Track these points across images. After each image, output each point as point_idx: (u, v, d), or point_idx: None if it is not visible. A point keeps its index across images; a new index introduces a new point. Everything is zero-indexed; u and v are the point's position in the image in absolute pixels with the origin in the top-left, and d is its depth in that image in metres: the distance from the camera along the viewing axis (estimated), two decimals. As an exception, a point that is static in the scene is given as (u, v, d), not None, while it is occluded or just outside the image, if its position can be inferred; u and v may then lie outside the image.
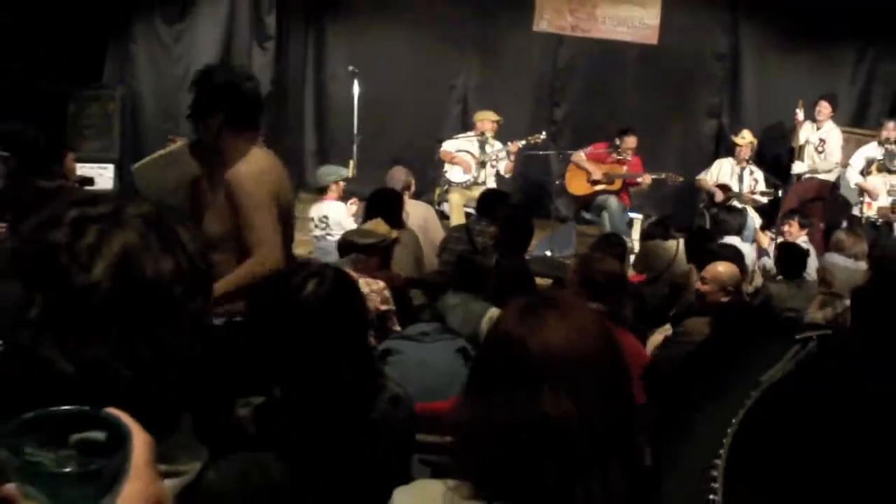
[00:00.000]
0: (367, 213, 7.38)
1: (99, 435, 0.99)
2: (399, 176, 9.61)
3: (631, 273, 8.24)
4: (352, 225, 8.27)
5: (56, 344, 1.22)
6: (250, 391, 3.25)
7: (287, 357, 2.97)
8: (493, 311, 5.19)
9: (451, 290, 5.45)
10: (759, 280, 8.62)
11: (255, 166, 4.25)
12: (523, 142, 11.04)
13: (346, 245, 6.11)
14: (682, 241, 8.08)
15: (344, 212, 8.77)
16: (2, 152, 7.39)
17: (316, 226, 8.59)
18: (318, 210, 8.76)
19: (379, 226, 6.82)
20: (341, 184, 9.12)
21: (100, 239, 1.30)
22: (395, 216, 7.23)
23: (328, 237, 8.39)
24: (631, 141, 11.08)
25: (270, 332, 3.05)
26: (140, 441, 1.01)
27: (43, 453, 0.95)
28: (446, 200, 10.68)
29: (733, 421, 0.96)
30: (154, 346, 1.30)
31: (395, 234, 6.78)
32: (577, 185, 11.29)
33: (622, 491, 1.76)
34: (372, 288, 5.17)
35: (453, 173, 10.91)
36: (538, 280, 7.50)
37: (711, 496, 0.91)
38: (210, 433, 1.48)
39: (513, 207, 8.47)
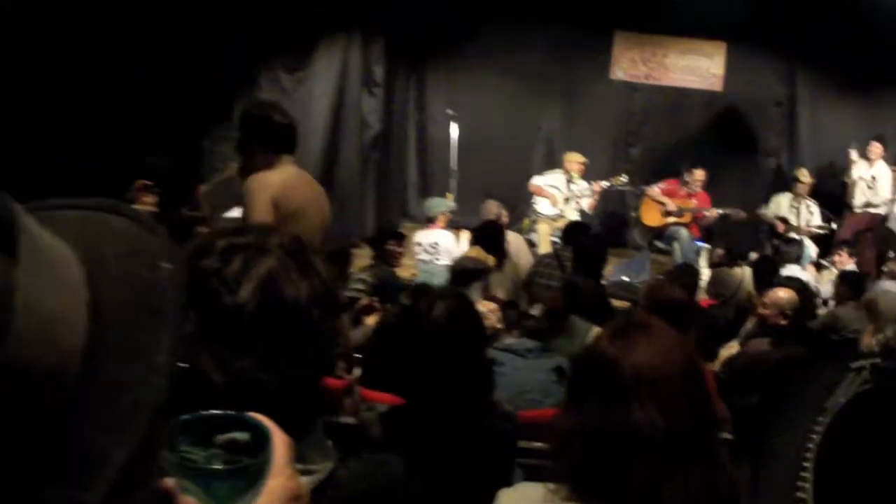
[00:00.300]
0: (475, 243, 8.09)
1: (243, 436, 1.05)
2: (492, 209, 10.48)
3: (703, 298, 8.39)
4: (458, 252, 8.90)
5: (210, 356, 1.31)
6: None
7: (415, 370, 3.14)
8: (596, 330, 5.32)
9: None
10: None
11: (262, 176, 4.58)
12: (607, 183, 11.75)
13: (461, 270, 6.62)
14: (747, 268, 8.35)
15: (451, 240, 9.40)
16: (147, 182, 8.48)
17: (425, 250, 9.15)
18: (427, 237, 9.40)
19: (479, 254, 7.58)
20: (448, 214, 9.82)
21: (245, 265, 1.39)
22: (498, 246, 7.90)
23: (436, 261, 9.01)
24: (699, 174, 11.65)
25: (402, 348, 3.26)
26: (280, 441, 1.06)
27: (196, 451, 1.02)
28: (534, 230, 11.16)
29: (810, 446, 1.04)
30: (294, 359, 1.39)
31: (491, 260, 7.37)
32: (651, 217, 11.90)
33: (704, 494, 1.87)
34: (489, 308, 5.42)
35: (542, 206, 11.43)
36: (616, 302, 8.02)
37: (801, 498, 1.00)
38: (339, 435, 1.62)
39: (588, 237, 8.76)
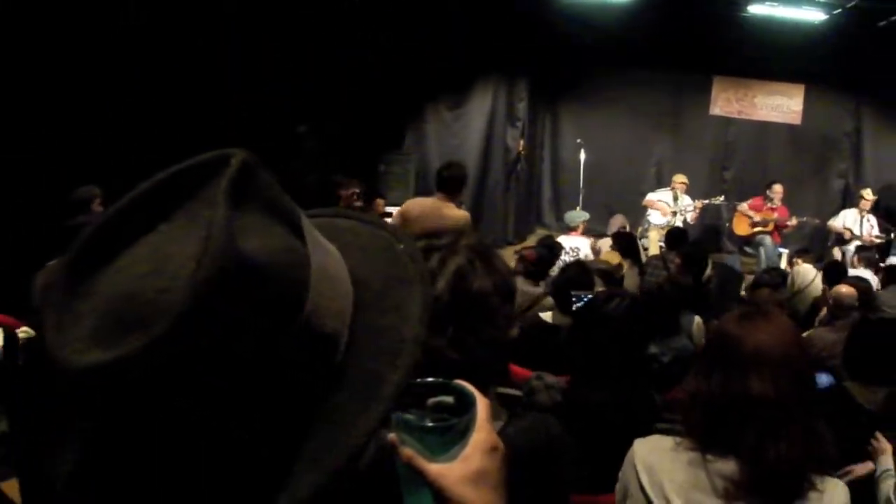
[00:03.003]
0: (615, 248, 8.69)
1: (448, 399, 1.10)
2: (618, 221, 11.49)
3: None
4: (591, 255, 9.59)
5: None
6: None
7: (591, 352, 3.35)
8: (698, 319, 5.90)
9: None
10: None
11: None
12: (707, 201, 12.62)
13: (599, 271, 6.58)
14: (817, 270, 8.17)
15: (588, 245, 10.07)
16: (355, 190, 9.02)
17: (566, 253, 9.36)
18: (569, 242, 9.88)
19: (613, 257, 8.27)
20: (585, 224, 10.71)
21: (441, 263, 1.52)
22: (634, 251, 8.53)
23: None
24: (778, 189, 12.16)
25: (586, 334, 3.44)
26: (482, 403, 1.09)
27: (412, 410, 1.07)
28: (646, 237, 11.59)
29: None
30: (479, 339, 1.51)
31: (621, 262, 7.80)
32: (741, 228, 12.55)
33: (802, 454, 1.97)
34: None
35: (654, 217, 12.26)
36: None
37: None
38: (507, 402, 1.68)
39: (692, 245, 9.17)
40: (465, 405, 1.10)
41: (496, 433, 1.12)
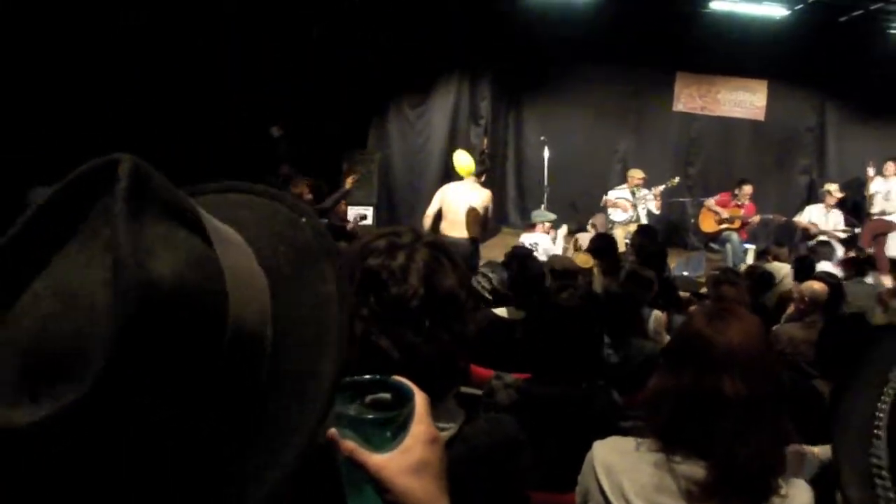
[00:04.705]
0: (590, 251, 8.09)
1: (386, 395, 1.12)
2: (599, 221, 11.38)
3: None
4: (555, 251, 9.62)
5: (383, 334, 1.41)
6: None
7: (545, 346, 3.32)
8: (657, 313, 5.91)
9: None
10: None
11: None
12: (662, 186, 12.34)
13: (563, 270, 6.47)
14: (786, 265, 8.17)
15: (549, 241, 10.22)
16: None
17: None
18: (529, 238, 10.11)
19: (586, 259, 7.62)
20: (549, 225, 10.68)
21: (408, 259, 1.49)
22: (612, 254, 8.05)
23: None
24: (747, 189, 12.21)
25: (538, 328, 3.42)
26: (420, 398, 1.11)
27: (351, 406, 1.09)
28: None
29: (879, 414, 1.05)
30: (452, 334, 1.49)
31: (592, 264, 7.39)
32: (707, 224, 12.58)
33: (771, 453, 1.99)
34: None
35: (615, 215, 12.18)
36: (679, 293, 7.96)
37: (875, 463, 1.00)
38: (466, 402, 1.72)
39: (651, 242, 8.90)
40: (402, 400, 1.12)
41: (436, 428, 1.14)
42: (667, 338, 5.59)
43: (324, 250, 1.00)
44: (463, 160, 9.43)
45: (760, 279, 7.54)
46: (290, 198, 1.07)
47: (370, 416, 1.09)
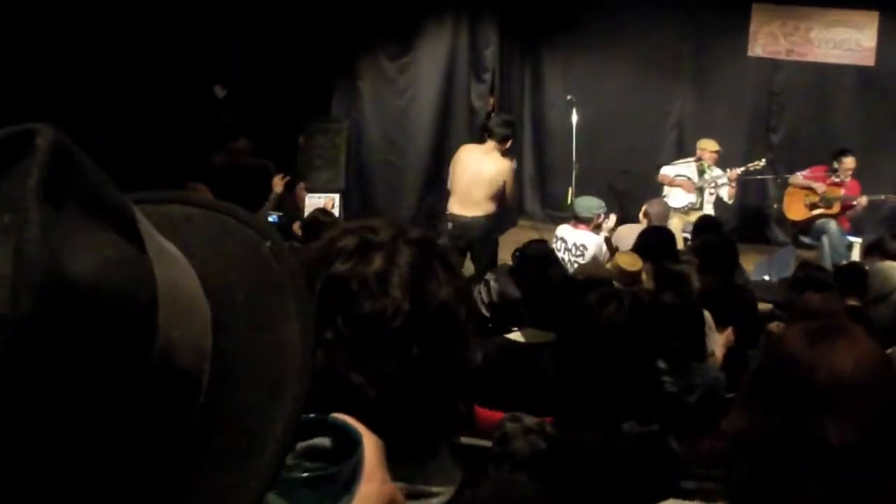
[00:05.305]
0: (638, 250, 8.16)
1: (324, 441, 1.16)
2: (658, 208, 10.90)
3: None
4: (600, 257, 9.54)
5: (352, 362, 1.42)
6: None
7: (582, 379, 3.42)
8: (724, 332, 6.16)
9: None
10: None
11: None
12: (742, 168, 12.45)
13: (585, 280, 6.62)
14: None
15: (599, 245, 9.89)
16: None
17: (567, 249, 9.69)
18: (573, 235, 9.92)
19: (632, 261, 7.81)
20: (601, 216, 10.29)
21: (388, 263, 1.50)
22: (664, 253, 7.92)
23: (576, 262, 9.24)
24: (849, 162, 12.25)
25: (574, 354, 3.52)
26: (371, 444, 1.15)
27: None
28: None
29: None
30: (448, 362, 1.52)
31: (640, 266, 7.56)
32: (795, 210, 12.67)
33: None
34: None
35: (673, 197, 12.21)
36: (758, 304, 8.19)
37: None
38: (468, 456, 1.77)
39: (715, 235, 8.84)
40: (347, 448, 1.16)
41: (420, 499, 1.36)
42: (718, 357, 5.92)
43: (287, 277, 1.04)
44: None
45: (859, 281, 7.62)
46: (243, 212, 1.11)
47: (303, 475, 1.12)
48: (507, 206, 10.60)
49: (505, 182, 9.76)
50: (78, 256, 0.81)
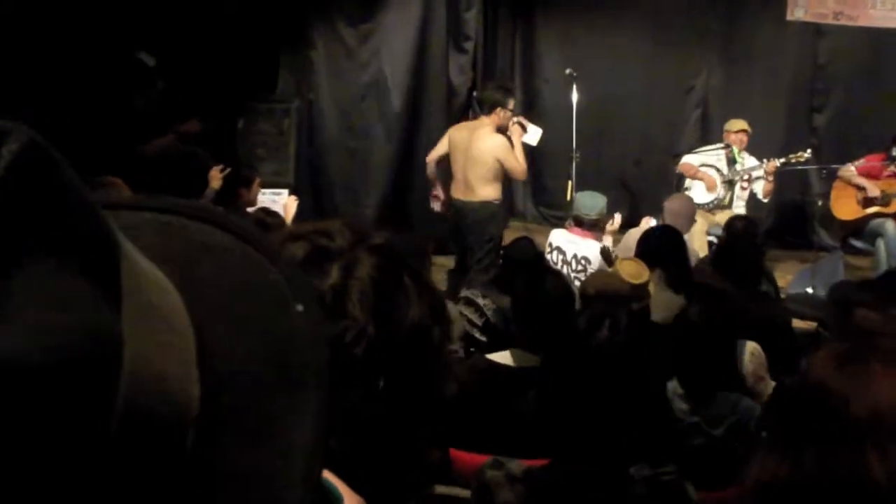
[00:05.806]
0: (643, 257, 8.17)
1: None
2: (677, 206, 10.87)
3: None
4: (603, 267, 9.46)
5: None
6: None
7: (575, 414, 3.47)
8: (752, 346, 6.21)
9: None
10: None
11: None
12: (783, 160, 12.44)
13: (596, 294, 6.72)
14: None
15: (598, 253, 9.92)
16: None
17: (566, 262, 9.86)
18: (575, 244, 10.02)
19: (638, 268, 7.86)
20: (606, 217, 10.47)
21: (346, 276, 1.54)
22: (674, 258, 8.07)
23: (578, 280, 9.22)
24: None
25: (564, 384, 3.58)
26: (352, 503, 1.22)
27: None
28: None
29: None
30: (419, 393, 1.57)
31: (645, 276, 7.63)
32: (845, 208, 12.55)
33: None
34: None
35: (695, 192, 12.39)
36: (799, 322, 8.77)
37: None
38: None
39: (743, 238, 9.30)
40: None
41: None
42: (769, 387, 5.94)
43: (313, 368, 1.00)
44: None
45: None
46: (273, 248, 1.07)
47: None
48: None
49: (500, 161, 10.15)
50: (17, 323, 0.78)
